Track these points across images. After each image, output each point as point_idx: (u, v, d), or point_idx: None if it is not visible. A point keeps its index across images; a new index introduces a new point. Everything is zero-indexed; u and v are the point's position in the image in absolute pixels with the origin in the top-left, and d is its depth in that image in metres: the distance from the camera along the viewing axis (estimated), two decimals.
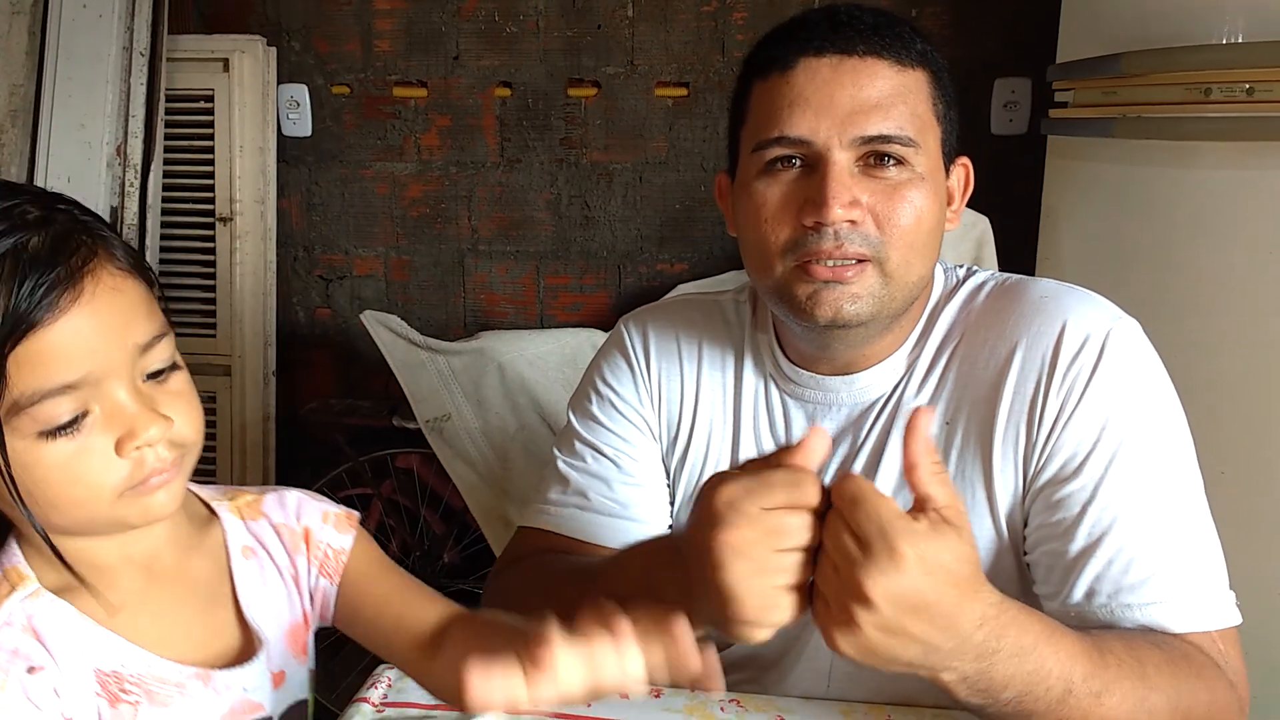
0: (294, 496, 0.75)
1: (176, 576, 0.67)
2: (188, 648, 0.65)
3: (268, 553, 0.72)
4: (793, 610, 0.62)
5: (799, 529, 0.61)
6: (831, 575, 0.59)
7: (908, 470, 0.61)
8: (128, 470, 0.59)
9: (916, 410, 0.62)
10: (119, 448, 0.58)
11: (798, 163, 0.80)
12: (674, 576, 0.71)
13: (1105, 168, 1.58)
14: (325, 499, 0.76)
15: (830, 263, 0.79)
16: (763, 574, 0.61)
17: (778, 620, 0.62)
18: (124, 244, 0.60)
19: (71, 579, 0.61)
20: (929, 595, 0.59)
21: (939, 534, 0.59)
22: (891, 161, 0.79)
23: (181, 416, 0.61)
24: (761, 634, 0.63)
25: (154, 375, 0.61)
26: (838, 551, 0.59)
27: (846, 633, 0.59)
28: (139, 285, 0.60)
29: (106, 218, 2.15)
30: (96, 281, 0.57)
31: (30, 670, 0.57)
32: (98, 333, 0.56)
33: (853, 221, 0.78)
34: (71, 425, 0.57)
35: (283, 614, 0.72)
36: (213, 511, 0.72)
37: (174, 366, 0.62)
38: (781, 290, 0.82)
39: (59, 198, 0.59)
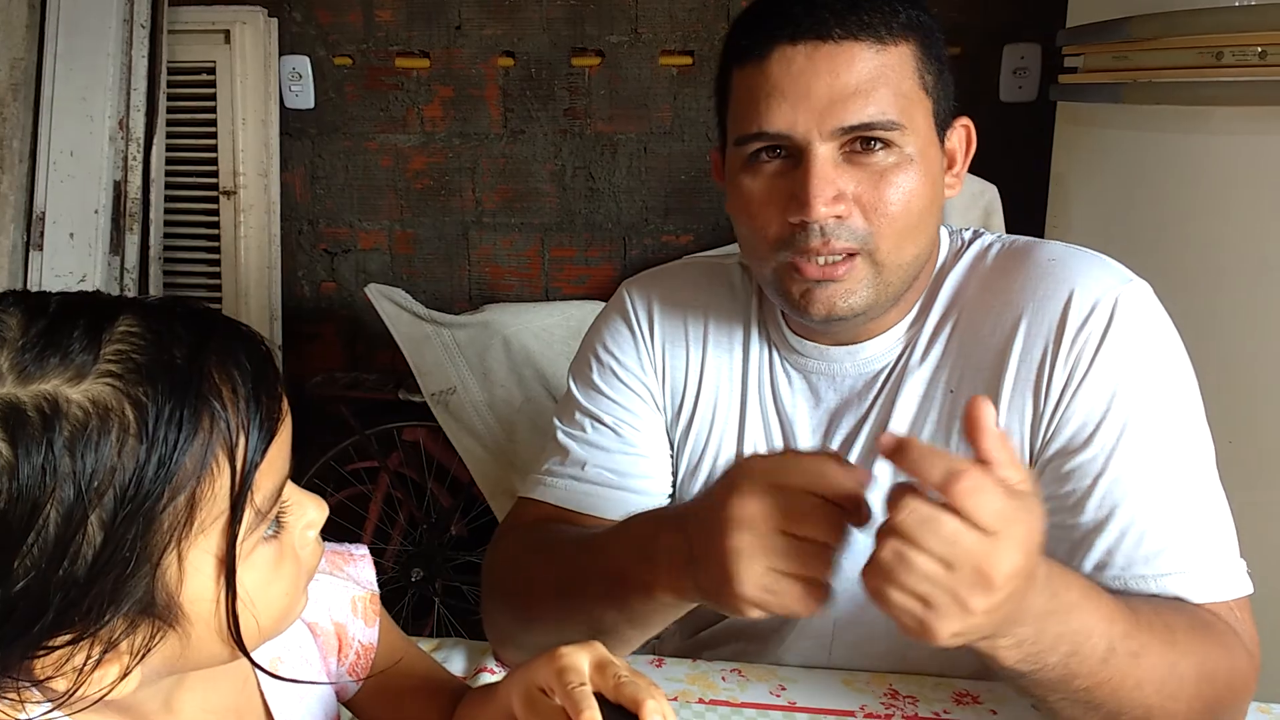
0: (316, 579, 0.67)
1: (201, 702, 0.57)
2: None
3: (300, 655, 0.65)
4: (790, 601, 0.61)
5: (813, 514, 0.60)
6: (939, 570, 0.55)
7: (983, 466, 0.57)
8: (310, 558, 0.55)
9: (974, 401, 0.57)
10: (302, 538, 0.54)
11: (780, 153, 0.78)
12: (672, 543, 0.70)
13: (1116, 134, 1.56)
14: (335, 550, 0.70)
15: (820, 259, 0.77)
16: (765, 553, 0.61)
17: (770, 605, 0.61)
18: None
19: (87, 700, 0.50)
20: (1030, 567, 0.58)
21: (1028, 504, 0.57)
22: (877, 145, 0.76)
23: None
24: (753, 612, 0.62)
25: None
26: (951, 543, 0.55)
27: (957, 619, 0.56)
28: None
29: (110, 192, 2.17)
30: (277, 367, 0.53)
31: None
32: (286, 428, 0.53)
33: (839, 216, 0.76)
34: (277, 529, 0.53)
35: None
36: None
37: None
38: (775, 285, 0.82)
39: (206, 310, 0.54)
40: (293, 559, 0.53)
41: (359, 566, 0.70)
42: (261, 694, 0.62)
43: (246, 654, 0.51)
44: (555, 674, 0.53)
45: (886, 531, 0.57)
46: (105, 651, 0.47)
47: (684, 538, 0.69)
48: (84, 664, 0.46)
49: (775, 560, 0.61)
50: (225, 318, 0.52)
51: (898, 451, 0.56)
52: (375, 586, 0.70)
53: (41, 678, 0.46)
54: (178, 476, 0.46)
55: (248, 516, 0.49)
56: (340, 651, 0.68)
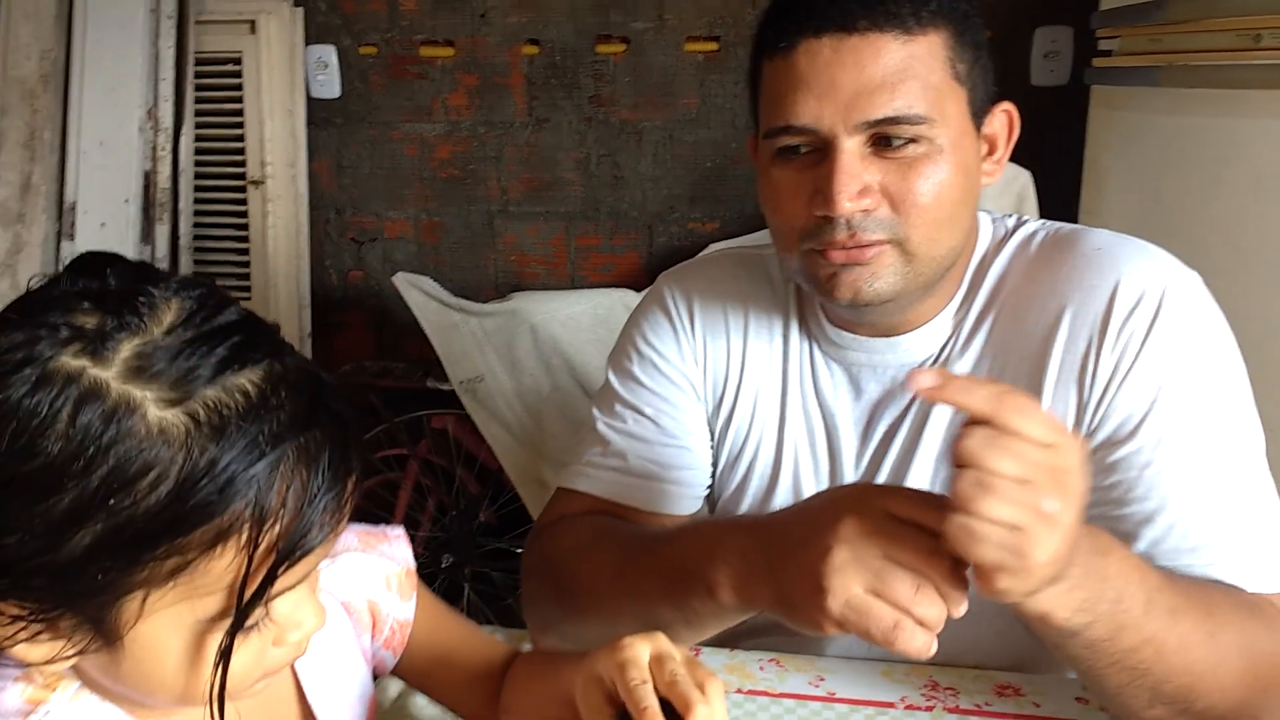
0: (346, 560, 0.67)
1: None
2: None
3: (333, 635, 0.65)
4: (874, 626, 0.60)
5: (917, 545, 0.60)
6: (1018, 489, 0.55)
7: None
8: (278, 659, 0.52)
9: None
10: (280, 638, 0.51)
11: (807, 146, 0.78)
12: (745, 548, 0.71)
13: (1151, 118, 1.54)
14: (369, 531, 0.70)
15: (845, 248, 0.77)
16: (862, 572, 0.60)
17: (853, 625, 0.61)
18: None
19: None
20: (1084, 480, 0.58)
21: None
22: (906, 138, 0.75)
23: (319, 603, 0.55)
24: (831, 629, 0.62)
25: None
26: (1021, 458, 0.55)
27: (1047, 537, 0.56)
28: None
29: (140, 182, 2.19)
30: (354, 484, 0.51)
31: None
32: (326, 547, 0.50)
33: (865, 210, 0.75)
34: (259, 622, 0.50)
35: (356, 710, 0.66)
36: None
37: None
38: (803, 272, 0.81)
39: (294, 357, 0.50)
40: (256, 652, 0.51)
41: (394, 545, 0.71)
42: (294, 672, 0.63)
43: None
44: (617, 667, 0.53)
45: (956, 469, 0.56)
46: (43, 630, 0.47)
47: (761, 544, 0.69)
48: (18, 631, 0.46)
49: (872, 582, 0.60)
50: (342, 413, 0.50)
51: (936, 388, 0.56)
52: (411, 562, 0.71)
53: None
54: (185, 540, 0.45)
55: (224, 603, 0.47)
56: (375, 628, 0.69)
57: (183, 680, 0.49)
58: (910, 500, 0.62)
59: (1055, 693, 0.82)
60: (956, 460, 0.56)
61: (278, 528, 0.46)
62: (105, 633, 0.47)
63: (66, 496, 0.43)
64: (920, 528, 0.60)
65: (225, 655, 0.48)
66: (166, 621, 0.47)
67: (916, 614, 0.60)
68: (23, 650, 0.47)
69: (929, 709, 0.81)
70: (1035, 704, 0.81)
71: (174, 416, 0.44)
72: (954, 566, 0.59)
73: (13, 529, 0.44)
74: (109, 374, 0.44)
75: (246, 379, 0.46)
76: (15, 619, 0.46)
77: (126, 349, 0.45)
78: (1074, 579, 0.62)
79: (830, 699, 0.83)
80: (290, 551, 0.47)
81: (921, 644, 0.60)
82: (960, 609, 0.60)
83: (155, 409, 0.44)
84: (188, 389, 0.45)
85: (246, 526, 0.46)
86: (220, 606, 0.47)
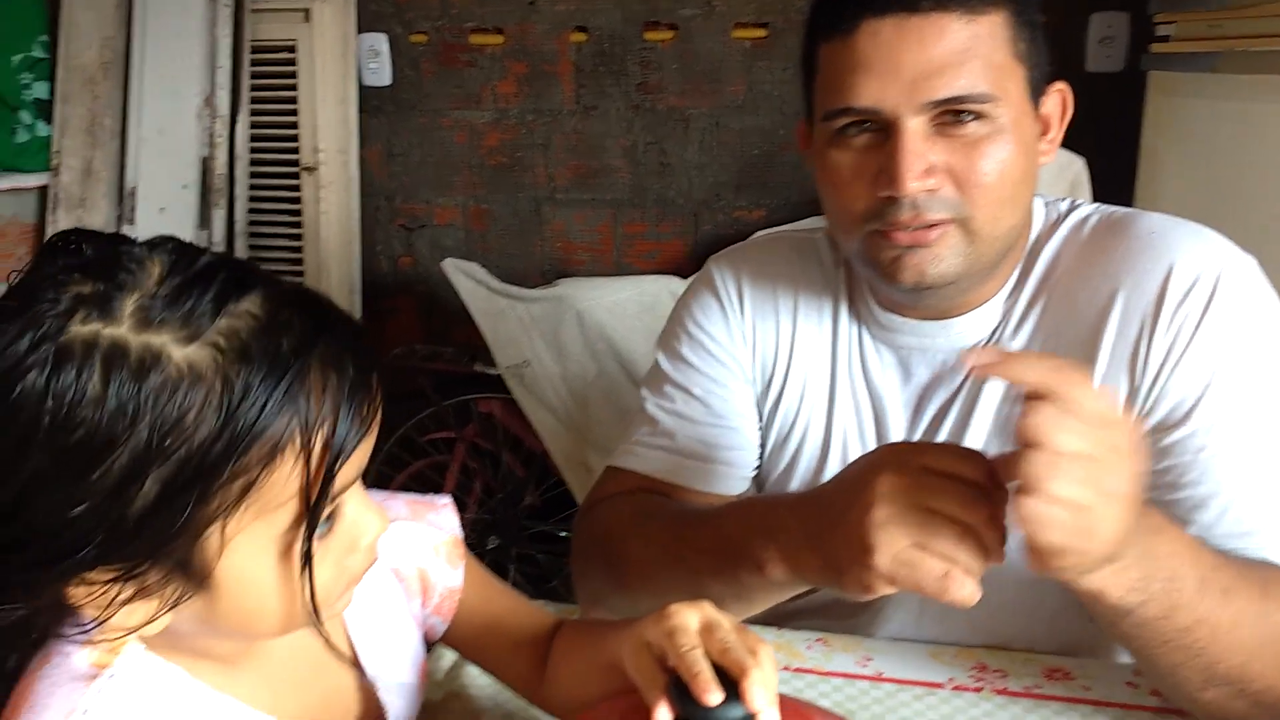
0: (395, 528, 0.68)
1: (289, 644, 0.59)
2: (302, 713, 0.60)
3: (384, 599, 0.67)
4: (923, 578, 0.61)
5: (957, 495, 0.61)
6: (1083, 466, 0.55)
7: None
8: (356, 566, 0.55)
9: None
10: (353, 545, 0.54)
11: (869, 127, 0.78)
12: (794, 520, 0.72)
13: (1209, 104, 1.51)
14: (418, 501, 0.72)
15: (910, 228, 0.77)
16: (907, 526, 0.61)
17: (903, 580, 0.62)
18: None
19: (176, 640, 0.54)
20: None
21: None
22: (969, 117, 0.76)
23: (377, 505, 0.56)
24: (881, 587, 0.63)
25: None
26: (1084, 434, 0.55)
27: (1114, 512, 0.56)
28: None
29: (197, 168, 2.24)
30: (378, 379, 0.53)
31: None
32: (376, 431, 0.53)
33: (930, 190, 0.75)
34: (329, 526, 0.53)
35: (407, 670, 0.68)
36: None
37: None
38: (864, 255, 0.81)
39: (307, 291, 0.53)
40: (335, 561, 0.53)
41: (441, 514, 0.73)
42: (349, 637, 0.65)
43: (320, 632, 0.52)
44: (666, 634, 0.54)
45: (1022, 448, 0.56)
46: (136, 594, 0.49)
47: (809, 515, 0.70)
48: (113, 599, 0.48)
49: (916, 535, 0.61)
50: (345, 318, 0.53)
51: (991, 364, 0.57)
52: (458, 530, 0.73)
53: (73, 604, 0.49)
54: (244, 460, 0.47)
55: (300, 511, 0.49)
56: (425, 595, 0.71)
57: (278, 601, 0.52)
58: (946, 453, 0.63)
59: (1106, 677, 0.82)
60: (1020, 438, 0.56)
61: (325, 428, 0.49)
62: (194, 576, 0.49)
63: (122, 455, 0.45)
64: (957, 479, 0.61)
65: (307, 559, 0.50)
66: (247, 547, 0.49)
67: (963, 563, 0.61)
68: (122, 617, 0.49)
69: (977, 690, 0.81)
70: (1085, 687, 0.81)
71: (197, 351, 0.46)
72: (993, 516, 0.60)
73: (79, 500, 0.45)
74: (123, 330, 0.46)
75: (249, 305, 0.48)
76: (107, 585, 0.48)
77: (130, 304, 0.47)
78: (1129, 558, 0.62)
79: (878, 679, 0.84)
80: (341, 447, 0.49)
81: (970, 592, 0.61)
82: (1001, 556, 0.61)
83: (178, 349, 0.46)
84: (199, 325, 0.47)
85: (297, 433, 0.48)
86: (292, 517, 0.50)
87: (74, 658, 0.53)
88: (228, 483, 0.47)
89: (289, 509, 0.49)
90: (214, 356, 0.46)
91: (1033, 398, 0.56)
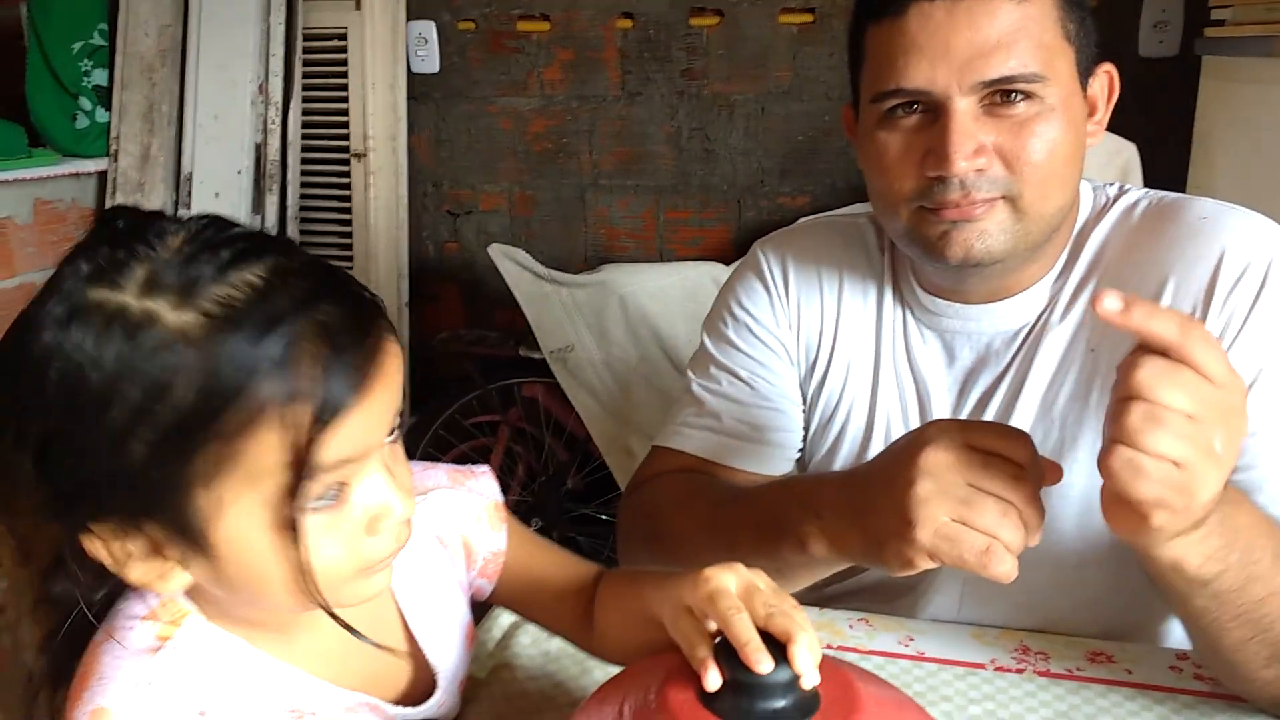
0: (437, 496, 0.71)
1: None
2: (356, 679, 0.62)
3: (429, 567, 0.69)
4: (965, 552, 0.62)
5: (1000, 472, 0.61)
6: (1187, 424, 0.54)
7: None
8: (375, 549, 0.54)
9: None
10: (372, 526, 0.54)
11: (917, 108, 0.78)
12: (837, 498, 0.73)
13: (1264, 89, 1.48)
14: (457, 470, 0.74)
15: (959, 206, 0.77)
16: (949, 501, 0.62)
17: (944, 554, 0.62)
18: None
19: (232, 609, 0.56)
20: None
21: None
22: (1019, 97, 0.76)
23: (409, 489, 0.56)
24: (923, 562, 0.64)
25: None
26: (1193, 394, 0.54)
27: (1212, 473, 0.56)
28: (399, 347, 0.55)
29: (251, 154, 2.29)
30: (386, 353, 0.53)
31: (201, 715, 0.54)
32: (385, 406, 0.52)
33: (979, 170, 0.76)
34: (334, 499, 0.52)
35: (455, 636, 0.69)
36: None
37: (398, 425, 0.56)
38: (910, 234, 0.82)
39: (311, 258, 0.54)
40: (344, 540, 0.53)
41: (481, 480, 0.75)
42: (396, 602, 0.67)
43: (326, 608, 0.53)
44: (707, 598, 0.55)
45: (1123, 400, 0.55)
46: (148, 551, 0.52)
47: (852, 491, 0.71)
48: (119, 551, 0.52)
49: (958, 510, 0.62)
50: (352, 291, 0.53)
51: (1123, 311, 0.54)
52: (499, 495, 0.75)
53: (92, 557, 0.52)
54: (220, 423, 0.47)
55: (289, 480, 0.50)
56: (469, 559, 0.73)
57: (280, 571, 0.52)
58: (990, 432, 0.64)
59: (1148, 660, 0.82)
60: (1124, 391, 0.55)
61: (309, 401, 0.49)
62: (192, 537, 0.51)
63: (117, 413, 0.48)
64: (999, 457, 0.62)
65: (292, 527, 0.50)
66: (241, 514, 0.50)
67: (1004, 539, 0.61)
68: (138, 573, 0.52)
69: (1019, 671, 0.82)
70: (1127, 670, 0.81)
71: (187, 316, 0.48)
72: (1034, 493, 0.61)
73: (88, 451, 0.49)
74: (127, 296, 0.49)
75: (252, 273, 0.49)
76: (111, 532, 0.51)
77: (140, 272, 0.49)
78: (1210, 526, 0.61)
79: (919, 658, 0.84)
80: (322, 418, 0.49)
81: (1010, 567, 0.62)
82: (1038, 536, 0.62)
83: (172, 314, 0.48)
84: (195, 290, 0.49)
85: (277, 403, 0.48)
86: (281, 487, 0.50)
87: (137, 630, 0.55)
88: (206, 445, 0.48)
89: (277, 478, 0.49)
90: (202, 323, 0.48)
91: (1142, 350, 0.55)
